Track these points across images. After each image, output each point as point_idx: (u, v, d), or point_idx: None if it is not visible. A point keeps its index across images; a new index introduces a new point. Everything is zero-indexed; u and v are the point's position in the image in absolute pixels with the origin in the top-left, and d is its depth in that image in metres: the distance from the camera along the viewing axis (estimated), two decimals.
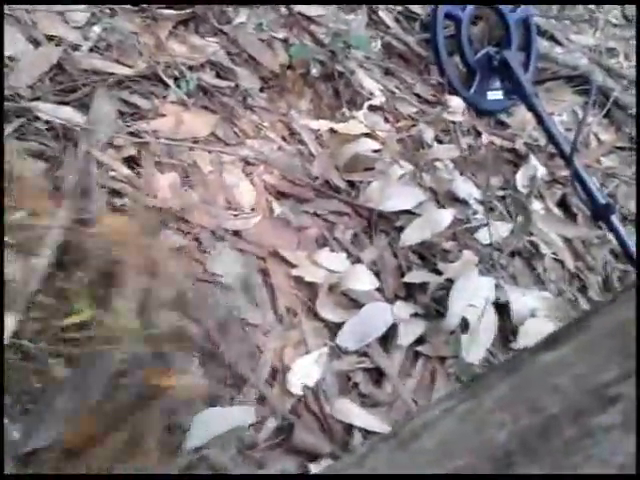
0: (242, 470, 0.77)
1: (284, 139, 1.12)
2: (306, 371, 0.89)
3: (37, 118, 0.91)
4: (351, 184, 1.11)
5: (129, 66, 1.02)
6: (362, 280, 1.01)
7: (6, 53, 0.94)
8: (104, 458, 0.69)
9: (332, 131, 1.14)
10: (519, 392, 0.41)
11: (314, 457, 0.81)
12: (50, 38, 0.99)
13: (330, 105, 1.21)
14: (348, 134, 1.14)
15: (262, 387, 0.83)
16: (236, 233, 0.97)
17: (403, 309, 1.00)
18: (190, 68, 1.08)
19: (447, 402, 0.48)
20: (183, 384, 0.75)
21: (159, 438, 0.71)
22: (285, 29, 1.25)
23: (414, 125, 1.24)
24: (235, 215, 0.99)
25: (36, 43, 0.97)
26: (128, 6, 1.09)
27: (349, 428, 0.87)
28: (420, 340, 0.99)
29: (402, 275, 1.04)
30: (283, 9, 1.26)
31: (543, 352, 0.42)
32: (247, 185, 1.04)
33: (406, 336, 0.98)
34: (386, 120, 1.23)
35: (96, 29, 1.04)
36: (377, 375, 0.94)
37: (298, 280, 0.98)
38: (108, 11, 1.07)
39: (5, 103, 0.89)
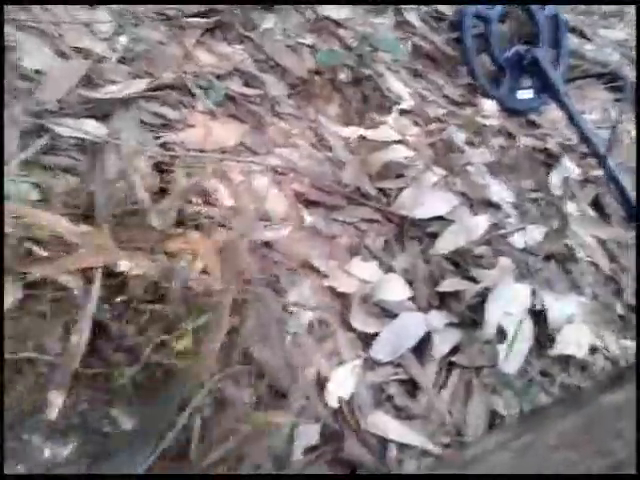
0: None
1: (313, 146, 1.10)
2: (341, 383, 0.87)
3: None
4: (382, 191, 1.09)
5: (156, 77, 1.00)
6: (395, 289, 0.98)
7: (33, 67, 0.93)
8: None
9: (362, 137, 1.12)
10: (584, 432, 0.38)
11: (354, 470, 0.80)
12: (77, 50, 0.98)
13: (359, 110, 1.18)
14: (378, 141, 1.11)
15: (304, 401, 0.82)
16: (267, 244, 0.95)
17: (437, 318, 0.98)
18: (218, 77, 1.07)
19: (502, 435, 0.45)
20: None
21: None
22: (312, 34, 1.23)
23: (444, 128, 1.20)
24: (265, 225, 0.97)
25: (64, 56, 0.96)
26: (154, 15, 1.07)
27: (385, 440, 0.85)
28: (455, 350, 0.96)
29: (436, 283, 1.01)
30: (310, 14, 1.24)
31: (608, 392, 0.39)
32: (277, 194, 1.02)
33: (441, 346, 0.95)
34: (416, 124, 1.20)
35: (122, 40, 1.02)
36: (412, 387, 0.91)
37: (330, 290, 0.96)
38: (133, 21, 1.05)
39: (33, 119, 0.88)
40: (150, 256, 0.84)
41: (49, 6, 0.99)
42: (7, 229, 0.79)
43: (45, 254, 0.80)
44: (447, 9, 1.42)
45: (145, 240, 0.87)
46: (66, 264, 0.80)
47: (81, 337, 0.73)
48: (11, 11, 0.94)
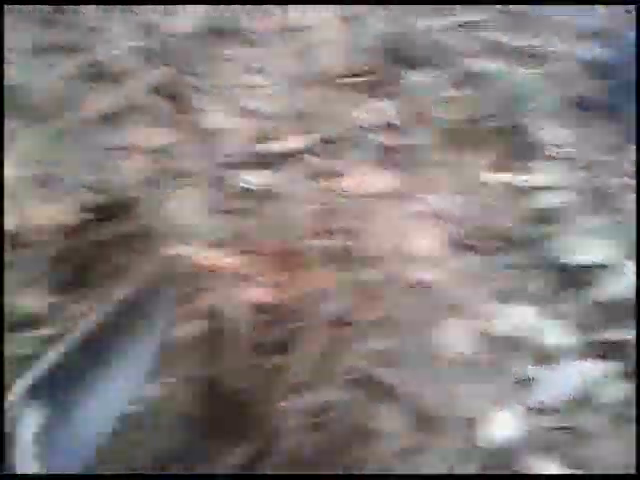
0: None
1: (462, 192, 1.13)
2: (500, 426, 0.86)
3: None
4: (535, 236, 1.08)
5: (318, 132, 1.10)
6: (554, 335, 0.96)
7: (215, 125, 1.07)
8: None
9: (512, 184, 1.13)
10: None
11: None
12: (249, 111, 1.11)
13: (508, 157, 1.20)
14: (530, 186, 1.12)
15: (457, 438, 0.82)
16: (417, 285, 0.99)
17: (601, 368, 0.94)
18: (371, 130, 1.15)
19: None
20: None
21: None
22: (457, 85, 1.28)
23: (599, 174, 1.18)
24: (416, 268, 1.01)
25: (238, 115, 1.09)
26: (315, 78, 1.19)
27: None
28: (622, 401, 0.91)
29: (597, 331, 0.98)
30: (456, 67, 1.30)
31: None
32: (428, 238, 1.05)
33: (607, 396, 0.91)
34: (569, 169, 1.19)
35: (287, 100, 1.14)
36: (577, 435, 0.88)
37: (484, 333, 0.96)
38: (297, 83, 1.17)
39: (215, 171, 1.00)
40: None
41: (224, 72, 1.14)
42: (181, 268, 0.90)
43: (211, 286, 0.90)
44: (595, 54, 1.42)
45: (293, 275, 0.95)
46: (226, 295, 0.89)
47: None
48: (197, 78, 1.10)
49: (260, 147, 1.06)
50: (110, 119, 1.04)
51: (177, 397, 0.77)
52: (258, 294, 0.89)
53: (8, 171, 0.92)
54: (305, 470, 0.76)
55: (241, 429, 0.79)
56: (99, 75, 1.08)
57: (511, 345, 0.95)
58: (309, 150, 1.09)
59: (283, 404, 0.81)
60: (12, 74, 1.06)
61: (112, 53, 1.13)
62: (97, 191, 0.97)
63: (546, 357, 0.94)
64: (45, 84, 1.02)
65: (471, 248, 1.05)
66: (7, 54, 1.08)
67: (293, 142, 1.09)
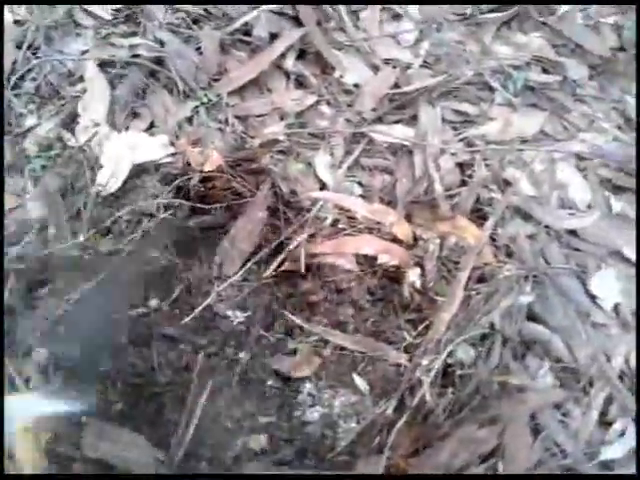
0: None
1: (619, 128, 1.08)
2: None
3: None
4: None
5: (456, 76, 1.10)
6: None
7: (352, 81, 1.11)
8: None
9: None
10: None
11: None
12: (386, 62, 1.13)
13: None
14: None
15: (612, 389, 0.84)
16: (572, 232, 0.98)
17: None
18: (516, 68, 1.12)
19: None
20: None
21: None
22: (614, 12, 1.20)
23: None
24: (570, 214, 1.00)
25: (375, 68, 1.12)
26: (453, 17, 1.17)
27: None
28: None
29: None
30: None
31: None
32: (581, 181, 1.04)
33: None
34: None
35: (425, 45, 1.15)
36: None
37: None
38: (435, 26, 1.16)
39: (353, 128, 1.05)
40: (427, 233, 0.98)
41: (362, 25, 1.16)
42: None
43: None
44: None
45: (427, 225, 0.99)
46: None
47: None
48: (332, 33, 1.13)
49: (398, 97, 1.08)
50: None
51: None
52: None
53: None
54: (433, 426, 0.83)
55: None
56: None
57: None
58: (448, 94, 1.10)
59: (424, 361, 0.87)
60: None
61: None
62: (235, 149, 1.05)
63: None
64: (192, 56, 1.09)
65: (628, 190, 1.02)
66: None
67: (430, 88, 1.09)
